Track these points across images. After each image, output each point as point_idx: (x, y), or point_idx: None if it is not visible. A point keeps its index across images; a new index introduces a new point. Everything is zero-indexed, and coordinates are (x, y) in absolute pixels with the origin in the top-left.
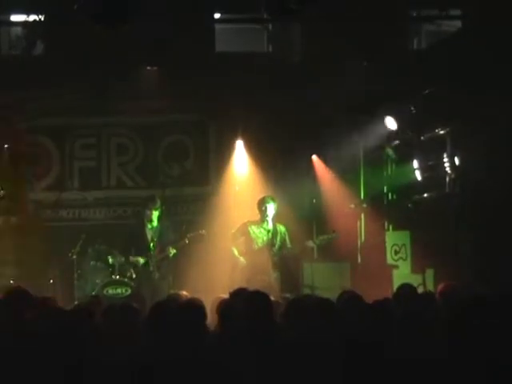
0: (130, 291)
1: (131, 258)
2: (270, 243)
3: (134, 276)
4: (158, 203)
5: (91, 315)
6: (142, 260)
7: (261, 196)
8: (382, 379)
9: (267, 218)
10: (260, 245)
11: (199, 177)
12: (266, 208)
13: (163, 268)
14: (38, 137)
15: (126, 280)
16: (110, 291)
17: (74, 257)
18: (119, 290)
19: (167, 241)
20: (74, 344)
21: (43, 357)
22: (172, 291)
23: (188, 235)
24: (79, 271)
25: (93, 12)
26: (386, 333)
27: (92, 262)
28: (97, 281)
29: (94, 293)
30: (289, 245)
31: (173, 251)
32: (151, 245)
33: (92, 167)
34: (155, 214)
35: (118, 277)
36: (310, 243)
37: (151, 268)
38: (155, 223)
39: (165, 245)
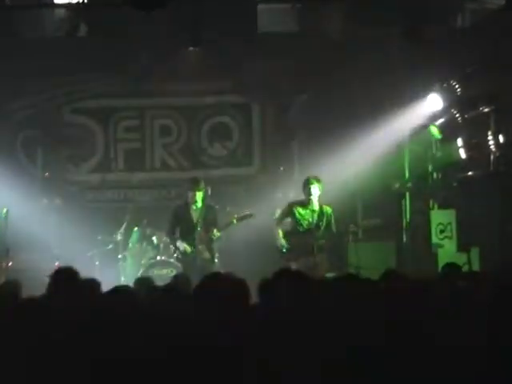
0: (175, 272)
1: (178, 244)
2: (316, 225)
3: (180, 256)
4: (202, 184)
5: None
6: (188, 249)
7: (305, 176)
8: (422, 360)
9: (312, 199)
10: (306, 226)
11: (243, 158)
12: (310, 189)
13: (210, 249)
14: (83, 119)
15: (171, 260)
16: (156, 272)
17: (120, 238)
18: (165, 271)
19: (212, 222)
20: (116, 329)
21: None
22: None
23: (236, 216)
24: (124, 252)
25: None
26: (429, 313)
27: (137, 243)
28: (142, 262)
29: (139, 274)
30: (334, 228)
31: (217, 234)
32: (197, 226)
33: (136, 149)
34: (199, 196)
35: (163, 257)
36: (353, 227)
37: (197, 249)
38: (199, 204)
39: (210, 225)
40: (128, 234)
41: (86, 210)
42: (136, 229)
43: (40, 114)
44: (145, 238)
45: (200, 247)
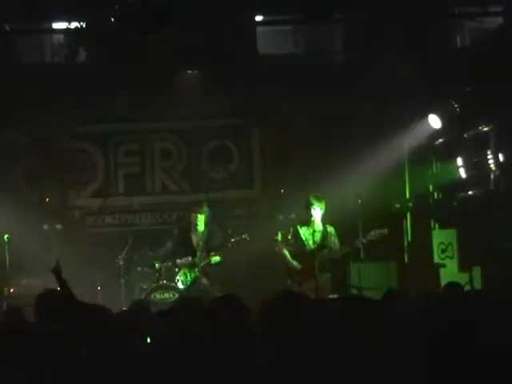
0: (177, 296)
1: (178, 261)
2: (321, 245)
3: (181, 280)
4: (205, 208)
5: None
6: (189, 263)
7: (306, 197)
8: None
9: (314, 219)
10: (312, 246)
11: (244, 180)
12: (311, 209)
13: (211, 273)
14: (83, 144)
15: (172, 285)
16: (158, 296)
17: (121, 262)
18: (166, 295)
19: (214, 245)
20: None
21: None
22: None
23: (231, 240)
24: (126, 277)
25: (128, 23)
26: (432, 332)
27: (139, 268)
28: (144, 286)
29: (141, 298)
30: (338, 246)
31: (215, 258)
32: (197, 250)
33: (136, 173)
34: (201, 219)
35: (164, 281)
36: (358, 243)
37: (198, 273)
38: (202, 228)
39: (211, 249)
40: (129, 258)
41: (87, 235)
42: (137, 254)
43: (39, 140)
44: (146, 262)
45: (200, 271)
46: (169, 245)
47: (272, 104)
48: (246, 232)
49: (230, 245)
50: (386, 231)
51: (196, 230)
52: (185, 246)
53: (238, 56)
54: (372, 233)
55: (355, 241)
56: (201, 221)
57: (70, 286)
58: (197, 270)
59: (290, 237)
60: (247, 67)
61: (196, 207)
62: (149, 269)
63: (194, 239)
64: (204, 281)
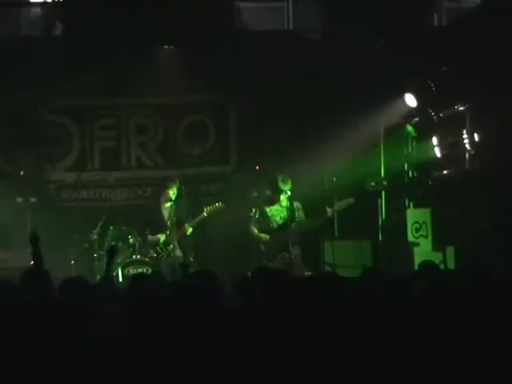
0: (151, 271)
1: (150, 238)
2: (289, 220)
3: (154, 255)
4: (176, 183)
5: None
6: (162, 237)
7: (274, 178)
8: (400, 356)
9: (281, 196)
10: (279, 222)
11: (219, 156)
12: (279, 187)
13: (184, 246)
14: (59, 118)
15: (146, 260)
16: (132, 271)
17: (95, 237)
18: (140, 270)
19: (185, 219)
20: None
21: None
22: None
23: (206, 208)
24: (100, 252)
25: None
26: (404, 310)
27: (113, 242)
28: (118, 261)
29: (115, 273)
30: (303, 219)
31: (189, 229)
32: (169, 224)
33: (112, 148)
34: (172, 193)
35: (138, 256)
36: (330, 211)
37: (171, 246)
38: (173, 202)
39: (183, 223)
40: (104, 233)
41: (62, 209)
42: (112, 228)
43: (15, 113)
44: (120, 237)
45: (173, 244)
46: (141, 220)
47: (249, 80)
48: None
49: (205, 213)
50: (352, 200)
51: (167, 204)
52: (155, 220)
53: (214, 31)
54: (338, 203)
55: (325, 212)
56: (172, 195)
57: (42, 256)
58: (170, 243)
59: (257, 215)
60: (224, 43)
61: (167, 182)
62: (123, 243)
63: (165, 214)
64: (177, 253)
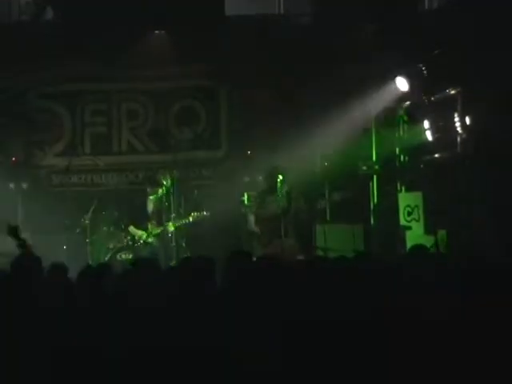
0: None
1: (131, 229)
2: (285, 210)
3: (130, 243)
4: (167, 177)
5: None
6: (141, 234)
7: (272, 161)
8: (397, 341)
9: (277, 187)
10: (275, 211)
11: (210, 141)
12: (274, 180)
13: (161, 240)
14: (49, 103)
15: (138, 245)
16: (123, 256)
17: (87, 222)
18: (131, 255)
19: (167, 217)
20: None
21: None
22: (185, 255)
23: (192, 214)
24: (92, 237)
25: None
26: (398, 293)
27: (105, 228)
28: (110, 246)
29: (106, 258)
30: (303, 206)
31: (172, 227)
32: (151, 218)
33: (103, 133)
34: (155, 194)
35: (130, 242)
36: (322, 203)
37: (150, 239)
38: (155, 200)
39: (162, 220)
40: (96, 218)
41: (53, 194)
42: (103, 213)
43: (6, 98)
44: (112, 222)
45: (150, 239)
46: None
47: (240, 65)
48: (211, 193)
49: (190, 218)
50: (346, 194)
51: (152, 197)
52: (138, 211)
53: (205, 16)
54: (332, 196)
55: (318, 201)
56: (159, 191)
57: (30, 244)
58: (150, 237)
59: (253, 203)
60: (214, 28)
61: (157, 176)
62: (115, 229)
63: (149, 207)
64: (155, 243)
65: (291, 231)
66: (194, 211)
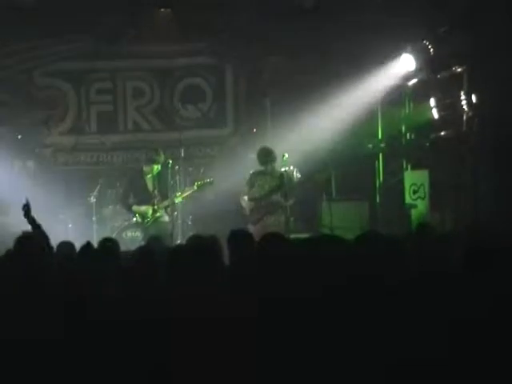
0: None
1: (134, 208)
2: (278, 188)
3: (139, 221)
4: (160, 154)
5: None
6: (146, 208)
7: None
8: (396, 316)
9: (271, 168)
10: (271, 188)
11: (216, 119)
12: (268, 161)
13: (169, 214)
14: (55, 81)
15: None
16: (129, 234)
17: (93, 200)
18: (138, 233)
19: (168, 189)
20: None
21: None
22: (191, 233)
23: (196, 183)
24: (98, 215)
25: None
26: (402, 272)
27: (110, 206)
28: (116, 224)
29: (113, 236)
30: (296, 185)
31: (178, 199)
32: (153, 194)
33: (109, 111)
34: (156, 167)
35: (139, 220)
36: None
37: (158, 214)
38: (155, 173)
39: (166, 193)
40: (102, 196)
41: (59, 172)
42: (110, 192)
43: (12, 76)
44: (118, 200)
45: (158, 213)
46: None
47: (246, 42)
48: (217, 172)
49: (195, 187)
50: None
51: (150, 175)
52: (139, 189)
53: None
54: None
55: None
56: (155, 169)
57: (39, 223)
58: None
59: (249, 185)
60: (219, 5)
61: (154, 155)
62: (121, 207)
63: (149, 184)
64: (165, 218)
65: (286, 208)
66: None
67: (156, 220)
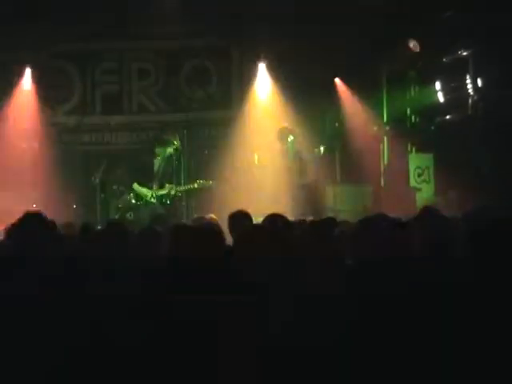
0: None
1: (135, 187)
2: (293, 169)
3: (134, 201)
4: (174, 141)
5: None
6: (146, 192)
7: (282, 121)
8: (402, 300)
9: (287, 147)
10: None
11: (222, 101)
12: (284, 140)
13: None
14: (61, 61)
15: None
16: (133, 214)
17: (97, 181)
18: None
19: (172, 175)
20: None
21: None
22: (196, 215)
23: (198, 181)
24: (102, 195)
25: None
26: (407, 254)
27: (114, 186)
28: (119, 205)
29: (116, 216)
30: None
31: (174, 191)
32: (154, 179)
33: (114, 92)
34: (169, 150)
35: (133, 201)
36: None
37: (153, 200)
38: (160, 160)
39: (164, 182)
40: (106, 177)
41: (63, 152)
42: (114, 172)
43: (16, 58)
44: (122, 181)
45: (153, 199)
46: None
47: (252, 25)
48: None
49: (196, 185)
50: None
51: (156, 160)
52: (143, 170)
53: None
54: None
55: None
56: (162, 156)
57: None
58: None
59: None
60: None
61: (161, 144)
62: (125, 188)
63: (155, 167)
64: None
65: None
66: (200, 179)
67: (147, 203)
